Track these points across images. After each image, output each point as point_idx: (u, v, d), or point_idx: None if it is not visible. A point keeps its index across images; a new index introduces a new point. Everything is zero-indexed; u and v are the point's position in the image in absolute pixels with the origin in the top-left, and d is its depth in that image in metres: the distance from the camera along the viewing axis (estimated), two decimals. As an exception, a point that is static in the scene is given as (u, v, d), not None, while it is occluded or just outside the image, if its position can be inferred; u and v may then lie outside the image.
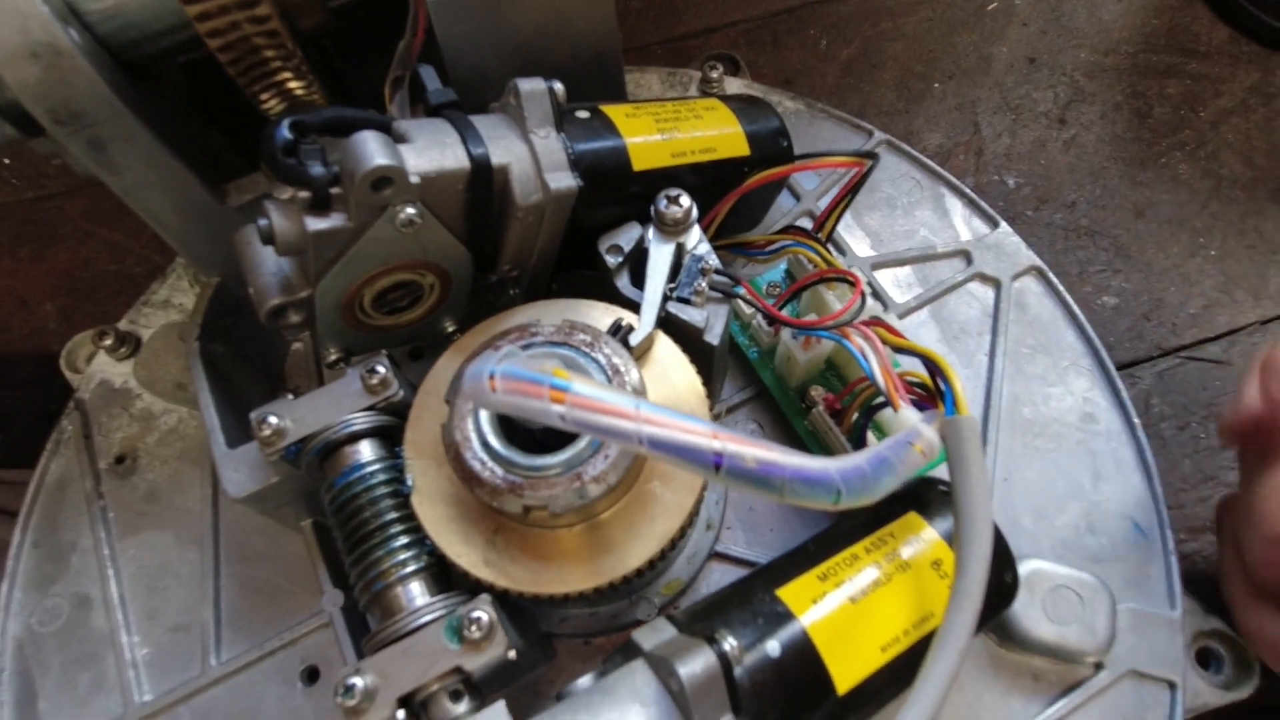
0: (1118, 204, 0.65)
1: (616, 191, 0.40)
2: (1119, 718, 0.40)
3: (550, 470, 0.31)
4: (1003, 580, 0.37)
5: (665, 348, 0.37)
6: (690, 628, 0.32)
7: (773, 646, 0.31)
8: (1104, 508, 0.45)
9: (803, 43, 0.74)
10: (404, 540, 0.35)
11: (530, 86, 0.37)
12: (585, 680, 0.32)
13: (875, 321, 0.40)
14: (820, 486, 0.29)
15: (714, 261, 0.39)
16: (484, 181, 0.35)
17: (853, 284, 0.40)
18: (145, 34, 0.36)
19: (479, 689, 0.33)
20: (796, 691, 0.31)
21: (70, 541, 0.48)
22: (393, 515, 0.35)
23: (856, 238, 0.54)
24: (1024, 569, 0.40)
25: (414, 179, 0.32)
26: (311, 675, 0.43)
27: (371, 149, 0.31)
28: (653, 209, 0.39)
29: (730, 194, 0.43)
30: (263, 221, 0.33)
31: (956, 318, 0.51)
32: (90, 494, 0.49)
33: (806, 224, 0.47)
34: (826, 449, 0.44)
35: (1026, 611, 0.40)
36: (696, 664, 0.29)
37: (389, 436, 0.37)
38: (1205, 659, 0.43)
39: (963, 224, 0.54)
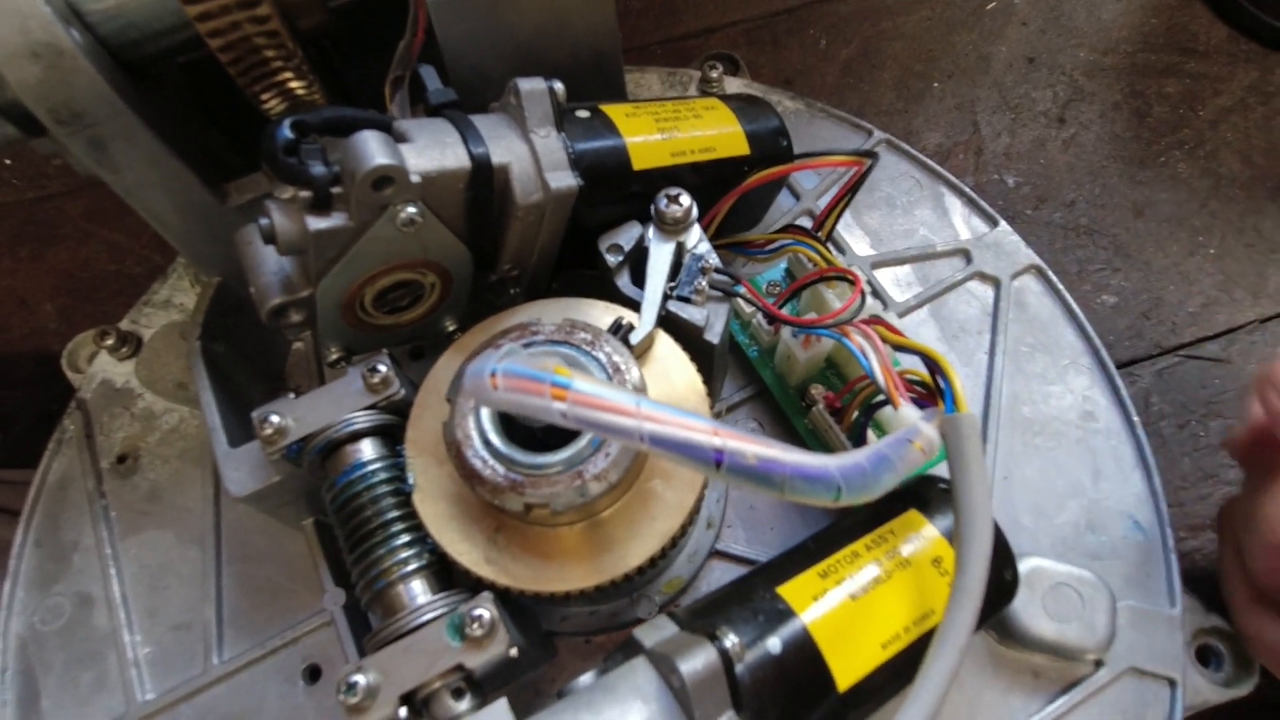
0: (1117, 203, 0.65)
1: (617, 191, 0.40)
2: (1119, 715, 0.40)
3: (551, 468, 0.31)
4: (1003, 578, 0.37)
5: (665, 346, 0.37)
6: (691, 625, 0.32)
7: (774, 643, 0.31)
8: (1104, 506, 0.45)
9: (802, 42, 0.74)
10: (405, 538, 0.35)
11: (530, 86, 0.37)
12: (587, 678, 0.32)
13: (875, 320, 0.40)
14: (821, 483, 0.29)
15: (714, 260, 0.39)
16: (484, 181, 0.35)
17: (852, 282, 0.40)
18: (146, 34, 0.36)
19: (481, 687, 0.33)
20: (797, 688, 0.31)
21: (72, 541, 0.48)
22: (394, 514, 0.35)
23: (856, 237, 0.54)
24: (1024, 566, 0.40)
25: (415, 178, 0.33)
26: (313, 674, 0.43)
27: (372, 148, 0.31)
28: (653, 208, 0.39)
29: (730, 193, 0.43)
30: (264, 221, 0.33)
31: (956, 316, 0.51)
32: (92, 493, 0.49)
33: (806, 223, 0.47)
34: (827, 447, 0.44)
35: (1027, 609, 0.40)
36: (698, 661, 0.29)
37: (390, 435, 0.38)
38: (1205, 656, 0.43)
39: (962, 223, 0.54)
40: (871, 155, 0.44)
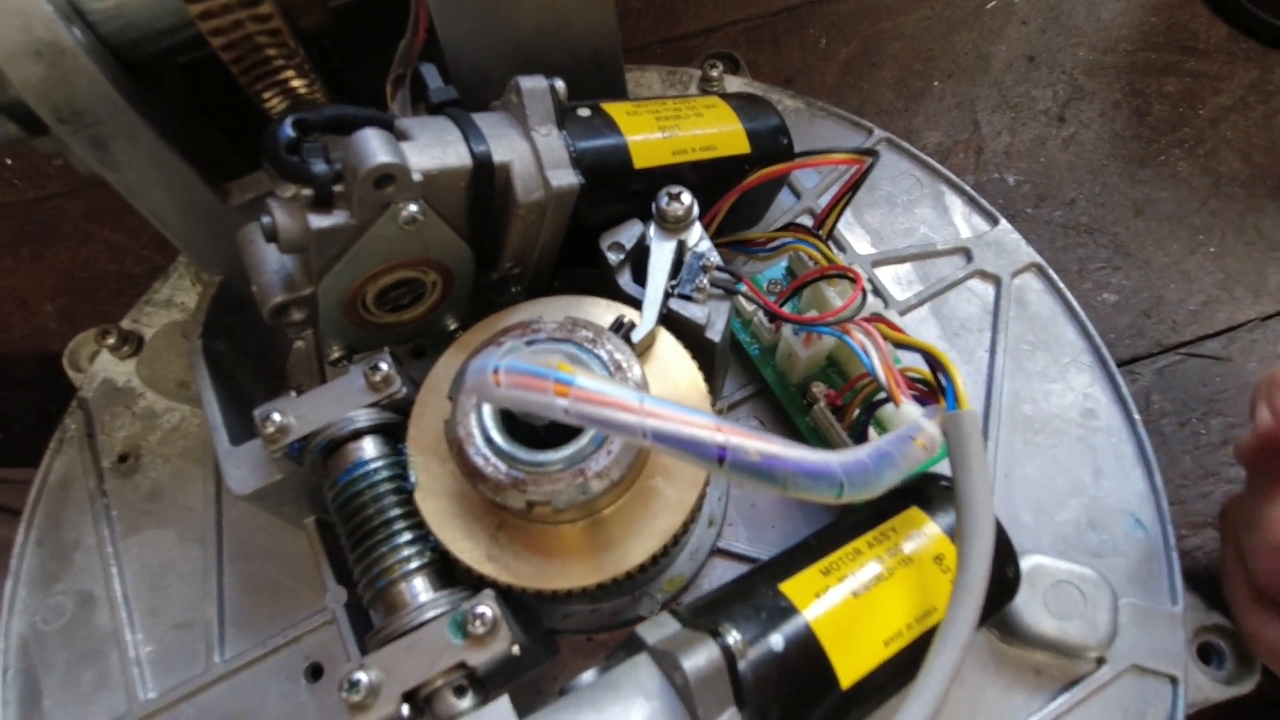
0: (1117, 201, 0.65)
1: (618, 189, 0.40)
2: (1121, 712, 0.41)
3: (553, 466, 0.31)
4: (1004, 575, 0.37)
5: (667, 344, 0.37)
6: (694, 622, 0.32)
7: (776, 640, 0.31)
8: (1105, 503, 0.45)
9: (802, 41, 0.74)
10: (407, 536, 0.35)
11: (532, 84, 0.37)
12: (589, 675, 0.32)
13: (876, 318, 0.40)
14: (823, 479, 0.29)
15: (715, 259, 0.39)
16: (486, 179, 0.35)
17: (853, 280, 0.40)
18: (147, 33, 0.36)
19: (483, 685, 0.33)
20: (800, 685, 0.31)
21: (73, 540, 0.48)
22: (396, 511, 0.36)
23: (857, 235, 0.54)
24: (1025, 564, 0.40)
25: (416, 176, 0.33)
26: (315, 672, 0.43)
27: (374, 146, 0.31)
28: (654, 206, 0.39)
29: (731, 191, 0.43)
30: (266, 219, 0.33)
31: (957, 315, 0.51)
32: (93, 492, 0.49)
33: (807, 221, 0.47)
34: (828, 445, 0.44)
35: (1028, 606, 0.40)
36: (700, 658, 0.29)
37: (392, 433, 0.38)
38: (1207, 654, 0.43)
39: (963, 221, 0.54)
40: (872, 153, 0.44)
